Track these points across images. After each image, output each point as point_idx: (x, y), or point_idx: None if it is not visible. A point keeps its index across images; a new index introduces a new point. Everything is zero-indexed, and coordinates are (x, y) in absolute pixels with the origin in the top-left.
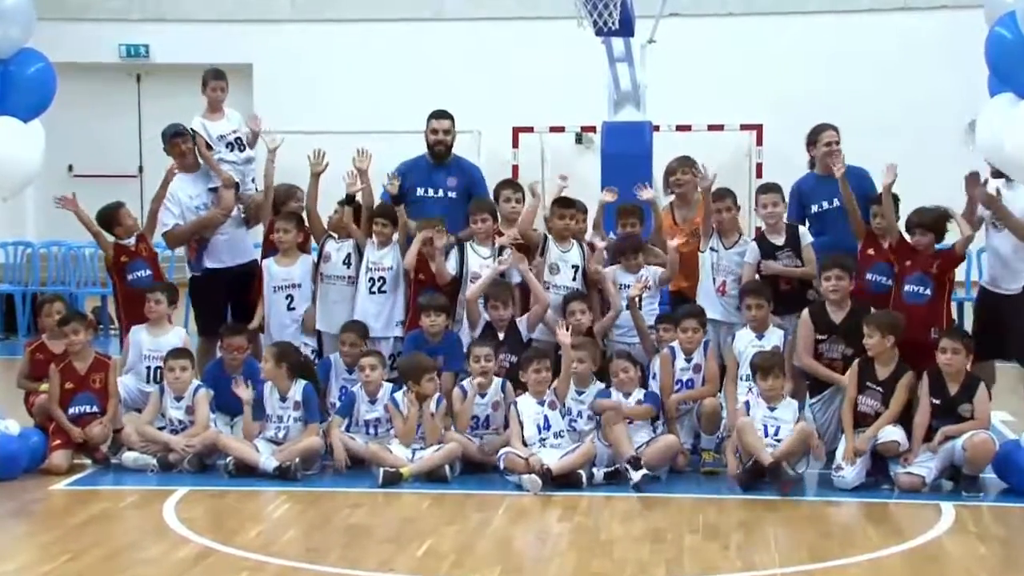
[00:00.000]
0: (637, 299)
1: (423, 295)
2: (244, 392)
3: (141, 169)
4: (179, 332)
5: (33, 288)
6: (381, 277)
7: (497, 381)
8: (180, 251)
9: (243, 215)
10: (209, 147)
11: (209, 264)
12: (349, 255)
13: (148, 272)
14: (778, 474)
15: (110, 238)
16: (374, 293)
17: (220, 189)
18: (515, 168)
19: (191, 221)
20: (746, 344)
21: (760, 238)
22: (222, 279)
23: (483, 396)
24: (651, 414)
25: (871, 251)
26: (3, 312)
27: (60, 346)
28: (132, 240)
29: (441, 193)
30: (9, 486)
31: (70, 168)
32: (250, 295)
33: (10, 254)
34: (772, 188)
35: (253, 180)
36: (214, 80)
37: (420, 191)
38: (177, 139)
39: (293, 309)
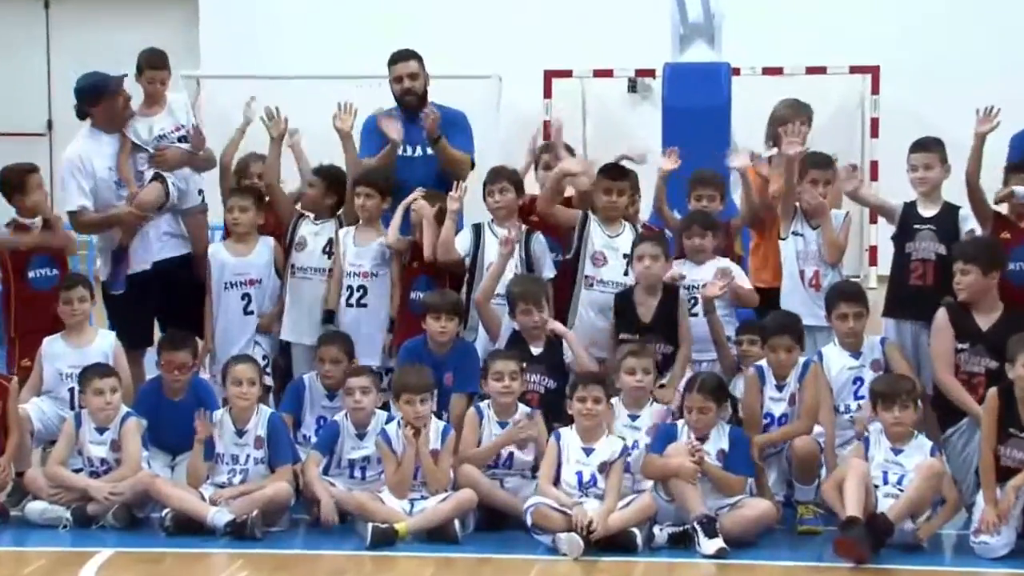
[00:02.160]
0: (713, 300)
1: (427, 291)
2: (205, 428)
3: (51, 125)
4: (107, 338)
5: None
6: (361, 286)
7: (525, 410)
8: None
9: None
10: (137, 148)
11: (129, 271)
12: (330, 241)
13: (55, 271)
14: (882, 530)
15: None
16: (352, 306)
17: (145, 183)
18: (546, 124)
19: (101, 214)
20: (840, 368)
21: (909, 205)
22: (149, 281)
23: (503, 425)
24: (743, 489)
25: (1006, 235)
26: None
27: None
28: (37, 222)
29: (419, 152)
30: None
31: None
32: (186, 293)
33: None
34: (927, 146)
35: (201, 192)
36: (151, 70)
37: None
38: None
39: (250, 313)
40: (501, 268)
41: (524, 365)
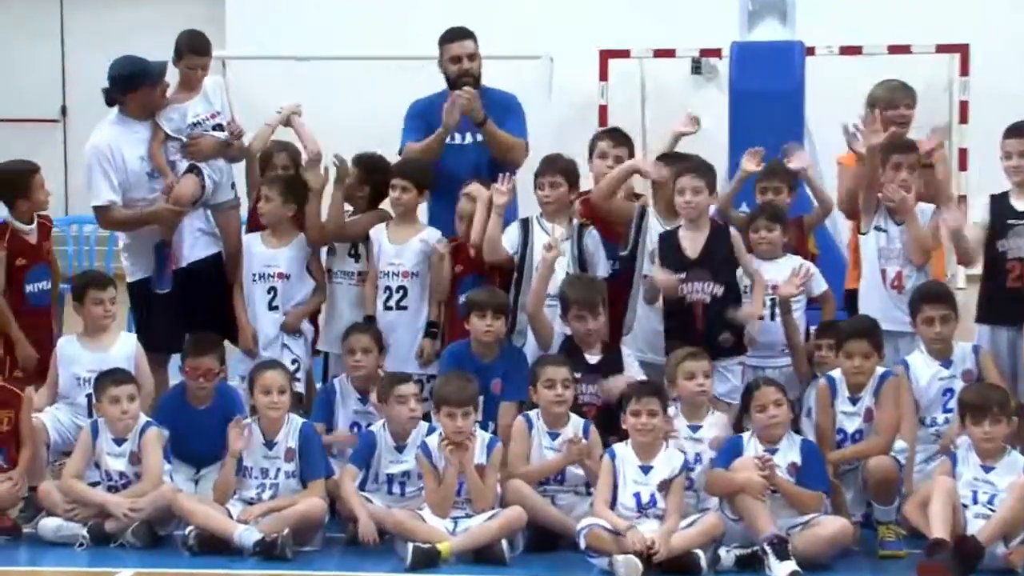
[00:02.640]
0: (789, 301)
1: (474, 289)
2: (240, 440)
3: (64, 111)
4: (128, 342)
5: None
6: (401, 287)
7: (578, 421)
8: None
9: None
10: (169, 138)
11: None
12: (358, 243)
13: (49, 284)
14: (971, 554)
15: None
16: (390, 309)
17: (180, 175)
18: (603, 109)
19: (133, 211)
20: (928, 378)
21: (999, 198)
22: (178, 282)
23: (554, 437)
24: (819, 506)
25: None
26: None
27: None
28: (33, 228)
29: (470, 139)
30: None
31: None
32: (215, 296)
33: None
34: (1023, 131)
35: (233, 186)
36: (194, 55)
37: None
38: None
39: (274, 308)
40: (548, 273)
41: (578, 375)
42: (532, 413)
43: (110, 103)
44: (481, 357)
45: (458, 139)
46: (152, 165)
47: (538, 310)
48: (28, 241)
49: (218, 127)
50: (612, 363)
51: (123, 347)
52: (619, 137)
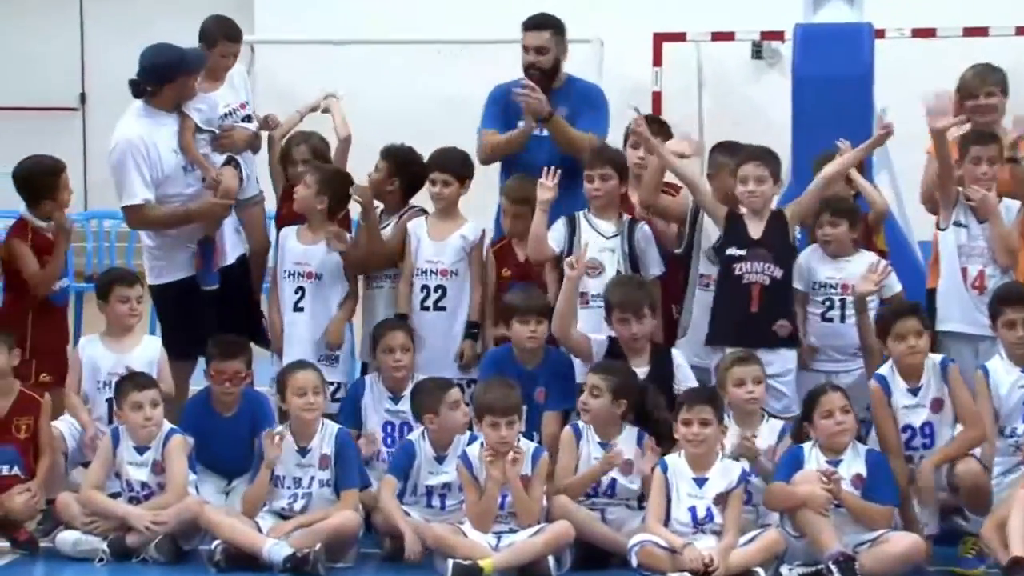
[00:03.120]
0: (865, 300)
1: (513, 291)
2: (274, 449)
3: (83, 99)
4: (152, 344)
5: None
6: (439, 286)
7: (631, 431)
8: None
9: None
10: (199, 129)
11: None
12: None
13: (67, 283)
14: None
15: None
16: (427, 309)
17: (219, 168)
18: (656, 96)
19: (175, 209)
20: (1009, 385)
21: None
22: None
23: (604, 446)
24: (888, 521)
25: None
26: None
27: None
28: (52, 225)
29: (544, 132)
30: None
31: None
32: (241, 298)
33: None
34: None
35: (257, 180)
36: (228, 42)
37: (519, 124)
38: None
39: (300, 310)
40: (573, 292)
41: None
42: (581, 423)
43: (138, 94)
44: (524, 363)
45: (536, 129)
46: (187, 158)
47: (566, 332)
48: (49, 238)
49: (247, 118)
50: (661, 371)
51: (146, 350)
52: (654, 124)
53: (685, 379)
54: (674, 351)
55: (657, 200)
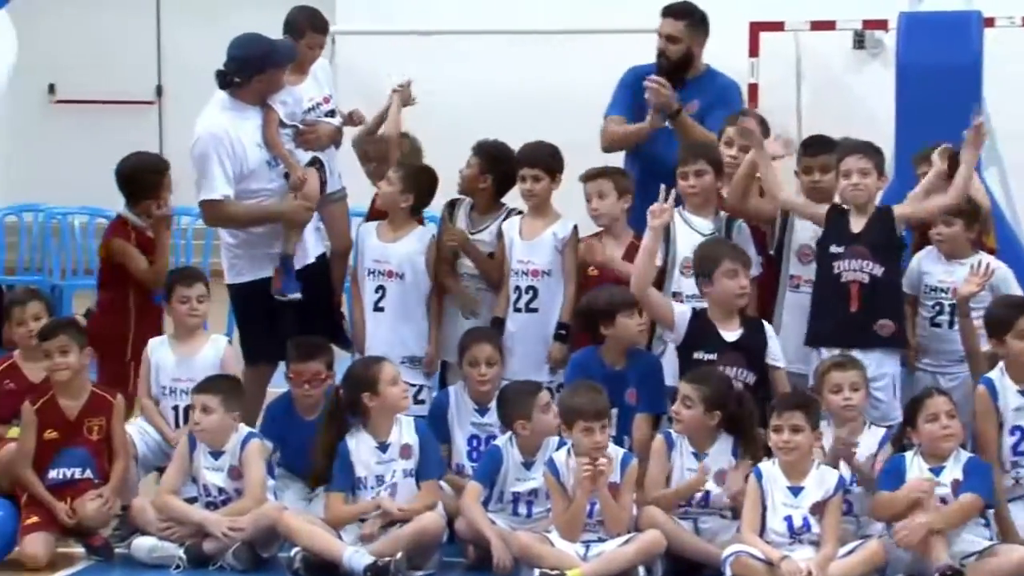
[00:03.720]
0: (968, 302)
1: (602, 289)
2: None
3: (160, 91)
4: (218, 344)
5: None
6: (531, 287)
7: (726, 440)
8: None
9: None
10: (283, 124)
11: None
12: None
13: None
14: None
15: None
16: (519, 311)
17: (304, 168)
18: (753, 88)
19: (255, 208)
20: None
21: None
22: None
23: (698, 456)
24: (977, 510)
25: None
26: None
27: (39, 371)
28: (150, 224)
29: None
30: None
31: (51, 90)
32: (321, 298)
33: None
34: None
35: (340, 176)
36: (315, 33)
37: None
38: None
39: (381, 309)
40: (655, 246)
41: (714, 356)
42: (674, 432)
43: (224, 85)
44: (612, 364)
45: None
46: (272, 154)
47: (643, 290)
48: (148, 236)
49: (331, 113)
50: (754, 336)
51: (210, 351)
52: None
53: (775, 354)
54: (765, 322)
55: (745, 205)
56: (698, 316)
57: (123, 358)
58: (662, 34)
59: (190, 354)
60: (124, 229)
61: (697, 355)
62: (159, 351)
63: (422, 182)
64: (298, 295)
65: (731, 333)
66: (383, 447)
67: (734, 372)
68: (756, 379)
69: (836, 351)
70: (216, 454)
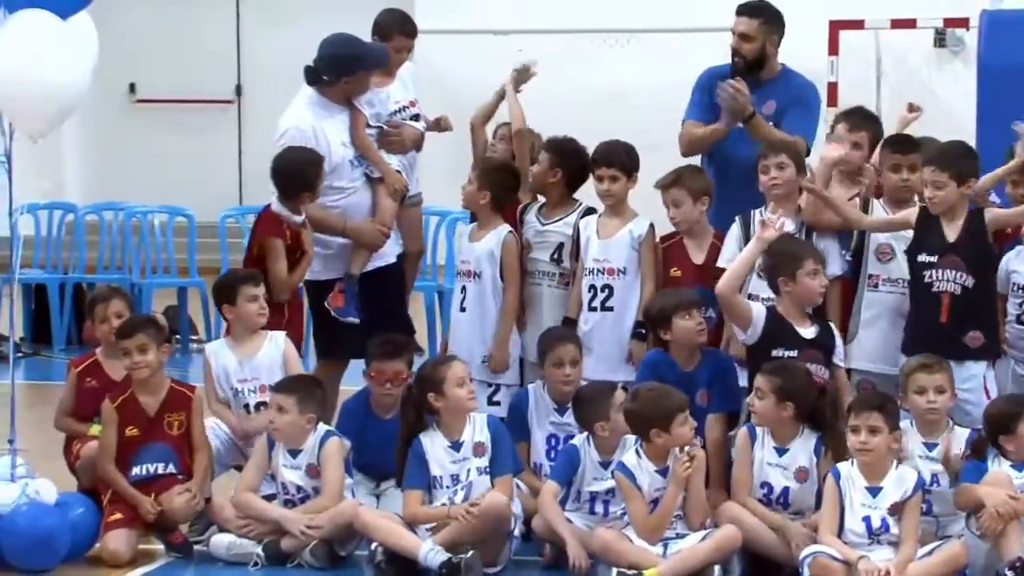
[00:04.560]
0: None
1: (662, 292)
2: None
3: (239, 91)
4: (278, 341)
5: (76, 276)
6: (606, 286)
7: (809, 436)
8: None
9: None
10: (368, 125)
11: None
12: (561, 243)
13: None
14: None
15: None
16: (595, 310)
17: (380, 187)
18: (832, 86)
19: (333, 216)
20: None
21: None
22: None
23: (781, 452)
24: None
25: None
26: (31, 312)
27: (120, 369)
28: (303, 220)
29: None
30: None
31: (132, 90)
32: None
33: (42, 223)
34: None
35: (418, 181)
36: (403, 37)
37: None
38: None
39: (464, 310)
40: (757, 253)
41: (794, 353)
42: (756, 426)
43: (312, 81)
44: (683, 365)
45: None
46: (363, 156)
47: (732, 292)
48: (299, 235)
49: (415, 117)
50: (826, 334)
51: (272, 348)
52: (857, 119)
53: (840, 354)
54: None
55: (821, 220)
56: (774, 314)
57: None
58: (736, 32)
59: (251, 354)
60: (278, 226)
61: (776, 352)
62: (220, 356)
63: (499, 178)
64: (355, 320)
65: (807, 330)
66: (456, 446)
67: (814, 369)
68: (830, 375)
69: None
70: (294, 452)
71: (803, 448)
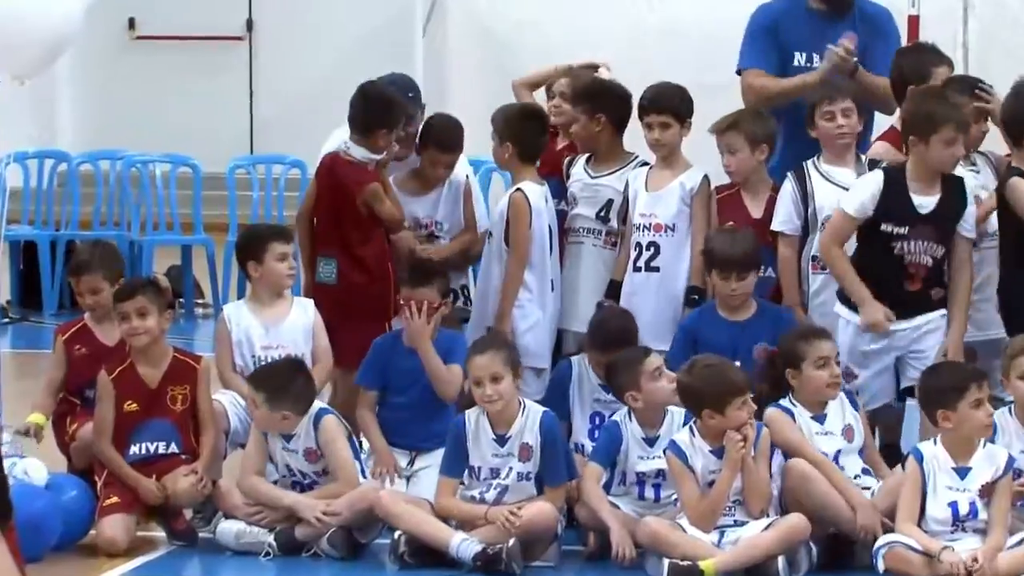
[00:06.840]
0: None
1: (718, 235)
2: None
3: (251, 26)
4: (306, 308)
5: (68, 233)
6: (652, 243)
7: (842, 400)
8: None
9: None
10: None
11: None
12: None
13: None
14: None
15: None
16: (639, 270)
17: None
18: (913, 21)
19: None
20: None
21: None
22: None
23: (821, 420)
24: None
25: None
26: (19, 273)
27: (115, 335)
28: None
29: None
30: (31, 572)
31: (131, 25)
32: None
33: (31, 174)
34: None
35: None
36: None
37: (797, 58)
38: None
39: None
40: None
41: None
42: (787, 401)
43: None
44: (730, 316)
45: (800, 59)
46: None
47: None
48: (377, 175)
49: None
50: (952, 201)
51: (299, 315)
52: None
53: (968, 225)
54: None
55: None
56: (893, 182)
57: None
58: None
59: (277, 319)
60: (364, 171)
61: (885, 227)
62: (241, 318)
63: (520, 127)
64: None
65: (928, 199)
66: (501, 440)
67: (924, 246)
68: (944, 253)
69: None
70: (288, 437)
71: (836, 414)
